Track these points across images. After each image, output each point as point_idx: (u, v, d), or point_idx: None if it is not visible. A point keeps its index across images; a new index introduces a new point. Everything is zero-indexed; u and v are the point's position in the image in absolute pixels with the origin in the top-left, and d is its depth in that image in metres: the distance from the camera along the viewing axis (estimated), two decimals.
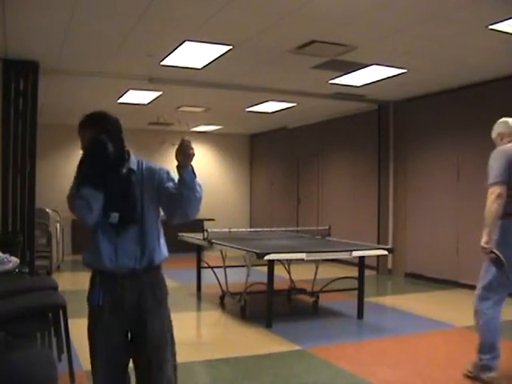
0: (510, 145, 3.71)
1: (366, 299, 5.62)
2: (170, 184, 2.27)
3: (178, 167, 2.19)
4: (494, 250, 3.49)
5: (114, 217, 2.24)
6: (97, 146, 2.17)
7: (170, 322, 2.39)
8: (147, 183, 2.30)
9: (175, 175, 2.28)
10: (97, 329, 2.29)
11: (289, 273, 6.51)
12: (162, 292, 2.38)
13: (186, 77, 7.02)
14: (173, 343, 2.38)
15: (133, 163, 2.31)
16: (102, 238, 2.26)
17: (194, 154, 2.15)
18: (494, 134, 3.95)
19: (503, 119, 3.96)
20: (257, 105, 9.13)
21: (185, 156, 2.14)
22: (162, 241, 2.38)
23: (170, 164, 2.28)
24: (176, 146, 2.15)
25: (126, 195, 2.26)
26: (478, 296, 3.72)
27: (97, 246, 2.26)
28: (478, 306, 3.71)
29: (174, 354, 2.38)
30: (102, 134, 2.18)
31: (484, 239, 3.52)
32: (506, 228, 3.54)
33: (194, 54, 5.90)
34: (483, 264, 3.68)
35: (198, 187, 2.20)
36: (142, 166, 2.33)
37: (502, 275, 3.56)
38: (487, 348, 3.63)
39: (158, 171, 2.33)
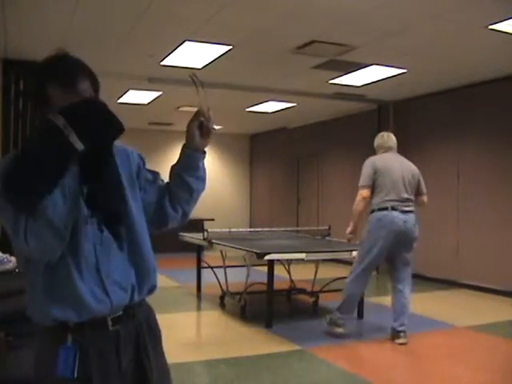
0: (378, 155, 4.76)
1: (365, 299, 5.62)
2: (149, 175, 1.60)
3: (188, 148, 1.56)
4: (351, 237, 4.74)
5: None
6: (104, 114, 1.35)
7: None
8: (124, 172, 1.51)
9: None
10: None
11: (289, 273, 6.51)
12: (159, 329, 1.61)
13: (186, 77, 7.01)
14: None
15: None
16: (73, 261, 1.38)
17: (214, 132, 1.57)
18: (374, 144, 4.96)
19: (381, 133, 5.06)
20: (257, 105, 9.13)
21: (207, 133, 1.55)
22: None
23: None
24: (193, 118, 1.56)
25: (105, 176, 1.45)
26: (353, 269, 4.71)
27: (63, 277, 1.36)
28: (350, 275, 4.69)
29: None
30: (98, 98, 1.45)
31: (349, 230, 4.72)
32: (374, 219, 4.54)
33: (193, 54, 5.90)
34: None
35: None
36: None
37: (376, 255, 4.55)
38: (346, 309, 4.64)
39: (130, 153, 1.56)
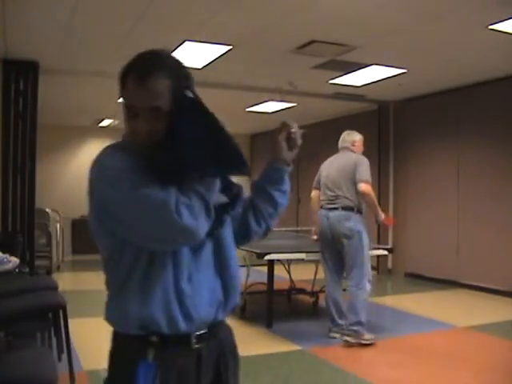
0: (330, 158, 4.95)
1: None
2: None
3: (275, 162, 1.52)
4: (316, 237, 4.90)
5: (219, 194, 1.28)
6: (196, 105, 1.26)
7: None
8: None
9: None
10: None
11: (289, 273, 6.51)
12: (238, 353, 1.53)
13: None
14: None
15: None
16: (173, 271, 1.31)
17: None
18: None
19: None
20: (257, 105, 9.13)
21: (294, 145, 1.51)
22: None
23: None
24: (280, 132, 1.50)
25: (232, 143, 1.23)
26: None
27: (159, 285, 1.29)
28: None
29: None
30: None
31: (313, 230, 5.02)
32: (319, 216, 4.77)
33: (194, 54, 5.90)
34: None
35: None
36: None
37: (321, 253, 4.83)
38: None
39: None
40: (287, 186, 1.55)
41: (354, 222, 4.58)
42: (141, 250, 1.28)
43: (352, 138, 4.86)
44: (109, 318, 1.35)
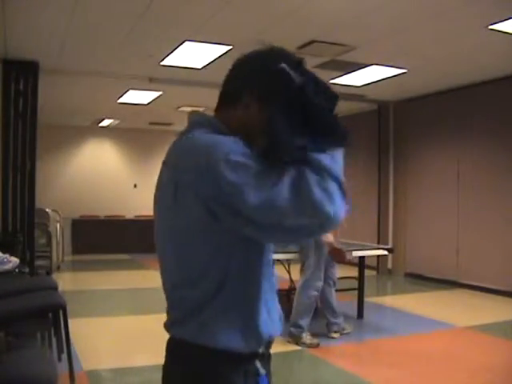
0: None
1: (365, 299, 5.62)
2: None
3: None
4: None
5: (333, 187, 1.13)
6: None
7: None
8: None
9: None
10: None
11: (289, 273, 6.51)
12: None
13: (186, 77, 7.02)
14: None
15: None
16: (269, 278, 1.26)
17: None
18: None
19: None
20: None
21: None
22: None
23: None
24: None
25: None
26: None
27: (270, 290, 1.26)
28: None
29: None
30: None
31: None
32: None
33: (193, 54, 5.90)
34: None
35: None
36: None
37: None
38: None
39: None
40: None
41: None
42: (253, 257, 1.17)
43: None
44: (210, 338, 1.17)
